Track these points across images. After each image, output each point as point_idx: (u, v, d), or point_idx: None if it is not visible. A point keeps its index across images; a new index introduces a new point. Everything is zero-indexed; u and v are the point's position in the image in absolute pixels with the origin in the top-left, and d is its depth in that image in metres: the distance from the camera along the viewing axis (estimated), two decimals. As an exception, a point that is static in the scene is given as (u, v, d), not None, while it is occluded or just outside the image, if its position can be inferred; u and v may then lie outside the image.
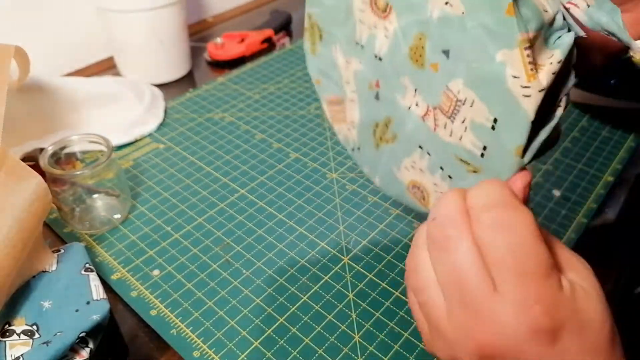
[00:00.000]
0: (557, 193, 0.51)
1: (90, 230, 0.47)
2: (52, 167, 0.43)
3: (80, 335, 0.34)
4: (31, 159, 0.50)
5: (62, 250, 0.39)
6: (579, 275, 0.24)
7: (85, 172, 0.43)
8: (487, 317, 0.23)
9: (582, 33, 0.25)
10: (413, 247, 0.26)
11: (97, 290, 0.37)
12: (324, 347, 0.38)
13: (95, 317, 0.35)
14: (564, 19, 0.25)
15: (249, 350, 0.38)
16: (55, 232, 0.47)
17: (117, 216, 0.48)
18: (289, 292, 0.42)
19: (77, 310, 0.35)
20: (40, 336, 0.34)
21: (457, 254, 0.23)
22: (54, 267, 0.38)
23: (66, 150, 0.46)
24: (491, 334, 0.23)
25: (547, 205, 0.50)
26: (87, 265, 0.39)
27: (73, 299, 0.36)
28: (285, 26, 0.81)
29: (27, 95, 0.51)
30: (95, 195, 0.48)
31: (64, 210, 0.46)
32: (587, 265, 0.25)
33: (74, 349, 0.34)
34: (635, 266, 0.48)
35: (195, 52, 0.73)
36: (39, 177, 0.37)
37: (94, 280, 0.38)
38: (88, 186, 0.46)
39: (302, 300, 0.41)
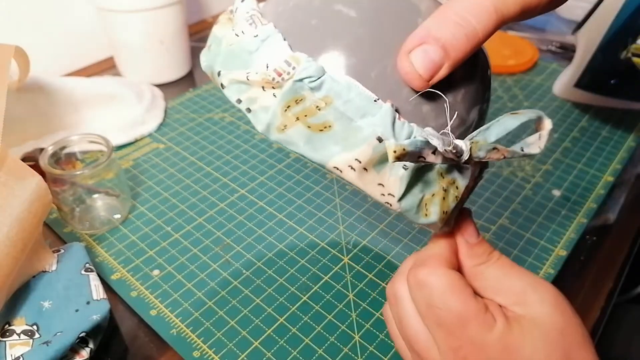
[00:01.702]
0: (557, 193, 0.51)
1: (90, 230, 0.47)
2: (52, 167, 0.43)
3: (80, 335, 0.34)
4: (31, 159, 0.50)
5: (62, 250, 0.40)
6: (529, 307, 0.26)
7: (85, 172, 0.43)
8: None
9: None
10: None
11: (97, 290, 0.37)
12: (324, 347, 0.38)
13: (95, 317, 0.35)
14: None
15: (249, 350, 0.38)
16: (55, 232, 0.47)
17: (117, 216, 0.48)
18: (289, 292, 0.42)
19: (77, 310, 0.35)
20: (40, 336, 0.34)
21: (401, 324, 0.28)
22: (54, 267, 0.38)
23: (66, 150, 0.46)
24: None
25: (547, 205, 0.50)
26: (87, 265, 0.39)
27: (73, 299, 0.36)
28: (285, 26, 0.81)
29: (27, 95, 0.51)
30: (95, 195, 0.48)
31: (64, 210, 0.46)
32: (549, 292, 0.26)
33: (74, 349, 0.34)
34: (635, 266, 0.48)
35: (195, 52, 0.73)
36: (39, 177, 0.37)
37: (94, 280, 0.38)
38: (88, 186, 0.46)
39: (302, 300, 0.41)
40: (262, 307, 0.41)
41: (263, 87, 0.25)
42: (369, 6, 0.25)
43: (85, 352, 0.34)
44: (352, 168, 0.24)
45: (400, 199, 0.25)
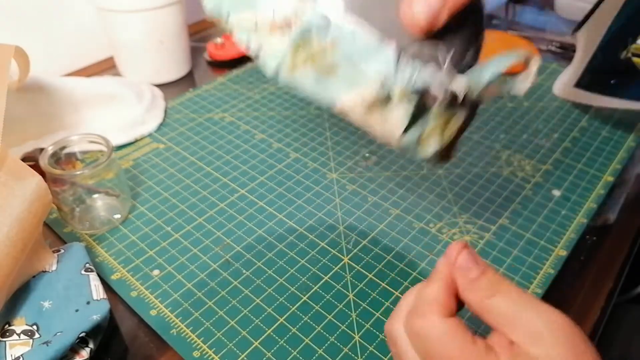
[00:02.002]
0: (557, 193, 0.51)
1: (90, 230, 0.47)
2: (52, 167, 0.43)
3: (80, 335, 0.34)
4: (31, 159, 0.50)
5: (62, 250, 0.40)
6: (545, 348, 0.25)
7: (85, 172, 0.43)
8: None
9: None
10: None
11: (97, 290, 0.37)
12: (324, 347, 0.38)
13: (95, 317, 0.35)
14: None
15: (249, 350, 0.38)
16: (55, 232, 0.47)
17: (117, 216, 0.48)
18: (289, 292, 0.42)
19: (77, 310, 0.35)
20: (40, 336, 0.34)
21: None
22: (54, 267, 0.38)
23: (66, 150, 0.46)
24: None
25: (547, 205, 0.50)
26: (87, 265, 0.39)
27: (73, 299, 0.36)
28: (285, 26, 0.81)
29: (27, 95, 0.51)
30: (95, 195, 0.48)
31: (64, 210, 0.46)
32: (565, 331, 0.25)
33: (74, 349, 0.34)
34: (635, 266, 0.48)
35: (195, 52, 0.73)
36: (39, 177, 0.37)
37: (94, 280, 0.38)
38: (88, 186, 0.46)
39: (302, 300, 0.41)
40: (262, 307, 0.41)
41: (271, 32, 0.26)
42: None
43: (85, 352, 0.34)
44: (357, 107, 0.26)
45: (402, 134, 0.27)
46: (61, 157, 0.46)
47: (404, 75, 0.26)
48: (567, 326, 0.25)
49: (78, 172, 0.43)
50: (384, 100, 0.26)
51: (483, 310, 0.26)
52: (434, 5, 0.25)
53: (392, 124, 0.27)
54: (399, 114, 0.26)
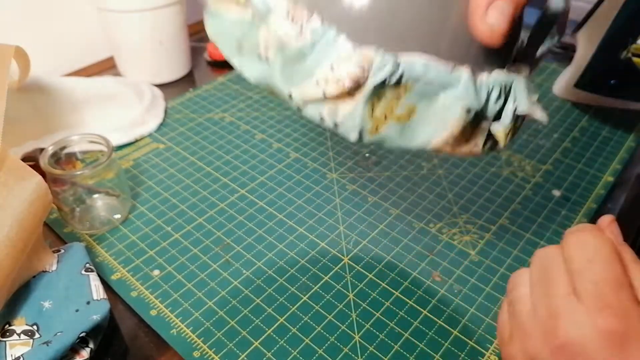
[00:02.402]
0: (557, 193, 0.51)
1: (90, 230, 0.47)
2: (52, 167, 0.43)
3: (81, 335, 0.34)
4: (31, 159, 0.50)
5: (62, 250, 0.40)
6: None
7: (85, 172, 0.43)
8: (566, 315, 0.25)
9: None
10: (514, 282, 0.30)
11: (97, 290, 0.37)
12: (324, 347, 0.38)
13: (95, 317, 0.35)
14: None
15: (249, 350, 0.38)
16: (55, 232, 0.47)
17: (117, 216, 0.48)
18: (289, 292, 0.42)
19: (77, 310, 0.35)
20: (40, 336, 0.34)
21: (548, 259, 0.28)
22: (54, 267, 0.38)
23: (66, 150, 0.46)
24: (567, 330, 0.25)
25: (547, 205, 0.50)
26: (88, 265, 0.39)
27: (73, 299, 0.36)
28: (285, 26, 0.81)
29: (27, 95, 0.51)
30: (96, 195, 0.48)
31: (64, 210, 0.46)
32: None
33: (74, 349, 0.34)
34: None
35: (195, 52, 0.73)
36: (39, 177, 0.37)
37: (94, 280, 0.38)
38: (88, 186, 0.46)
39: (302, 300, 0.41)
40: (262, 307, 0.41)
41: (339, 94, 0.24)
42: None
43: (85, 352, 0.34)
44: (449, 143, 0.25)
45: (503, 145, 0.27)
46: (61, 157, 0.46)
47: (483, 95, 0.25)
48: None
49: (78, 172, 0.43)
50: (470, 127, 0.26)
51: (630, 270, 0.27)
52: (507, 12, 0.24)
53: (480, 144, 0.27)
54: (483, 137, 0.26)
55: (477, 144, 0.27)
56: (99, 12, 0.63)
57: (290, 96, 0.25)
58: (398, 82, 0.23)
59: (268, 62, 0.25)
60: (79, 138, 0.46)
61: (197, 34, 0.80)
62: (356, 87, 0.23)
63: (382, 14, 0.23)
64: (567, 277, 0.27)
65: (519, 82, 0.26)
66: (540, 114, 0.26)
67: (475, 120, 0.25)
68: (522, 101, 0.25)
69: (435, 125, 0.25)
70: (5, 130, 0.35)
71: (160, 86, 0.67)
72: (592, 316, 0.25)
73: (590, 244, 0.27)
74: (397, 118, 0.24)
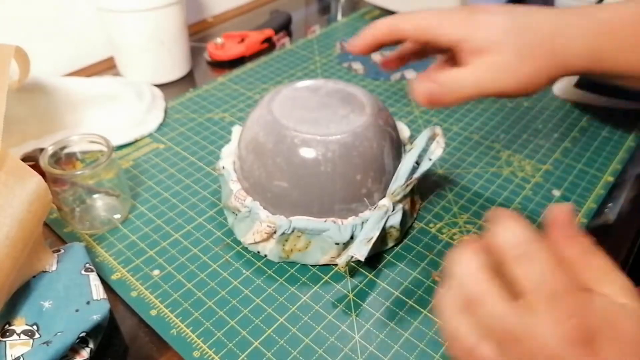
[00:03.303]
0: (557, 193, 0.51)
1: (91, 230, 0.47)
2: (52, 167, 0.43)
3: (81, 335, 0.34)
4: (31, 159, 0.50)
5: (62, 250, 0.39)
6: (616, 290, 0.26)
7: (85, 172, 0.43)
8: (531, 340, 0.24)
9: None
10: (444, 316, 0.28)
11: (97, 290, 0.37)
12: (324, 347, 0.38)
13: (95, 317, 0.35)
14: None
15: (249, 350, 0.38)
16: (55, 232, 0.47)
17: (117, 216, 0.48)
18: (289, 292, 0.42)
19: (77, 310, 0.35)
20: (40, 336, 0.34)
21: (488, 306, 0.26)
22: (54, 267, 0.38)
23: (66, 150, 0.46)
24: (537, 351, 0.24)
25: (547, 205, 0.50)
26: (88, 265, 0.39)
27: (73, 299, 0.36)
28: (285, 26, 0.81)
29: (27, 95, 0.51)
30: (96, 195, 0.48)
31: (64, 210, 0.46)
32: (627, 281, 0.26)
33: (74, 349, 0.34)
34: (635, 266, 0.48)
35: (195, 52, 0.73)
36: (39, 177, 0.37)
37: (94, 280, 0.38)
38: (88, 186, 0.46)
39: (302, 300, 0.41)
40: (262, 307, 0.41)
41: (263, 239, 0.43)
42: (295, 178, 0.42)
43: (85, 352, 0.34)
44: (329, 260, 0.43)
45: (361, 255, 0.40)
46: (61, 157, 0.46)
47: (347, 232, 0.42)
48: None
49: (78, 172, 0.43)
50: (343, 249, 0.43)
51: (581, 261, 0.27)
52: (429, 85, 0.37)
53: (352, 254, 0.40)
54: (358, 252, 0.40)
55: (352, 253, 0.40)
56: (99, 12, 0.63)
57: (240, 241, 0.45)
58: (293, 232, 0.42)
59: (235, 216, 0.45)
60: (79, 138, 0.46)
61: (197, 34, 0.80)
62: (271, 235, 0.42)
63: (282, 199, 0.42)
64: (510, 305, 0.25)
65: (372, 219, 0.42)
66: (361, 254, 0.40)
67: (345, 246, 0.42)
68: (357, 245, 0.41)
69: (322, 252, 0.43)
70: (5, 130, 0.35)
71: (160, 86, 0.67)
72: (555, 331, 0.24)
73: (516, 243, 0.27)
74: (299, 249, 0.43)
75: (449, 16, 0.38)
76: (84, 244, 0.42)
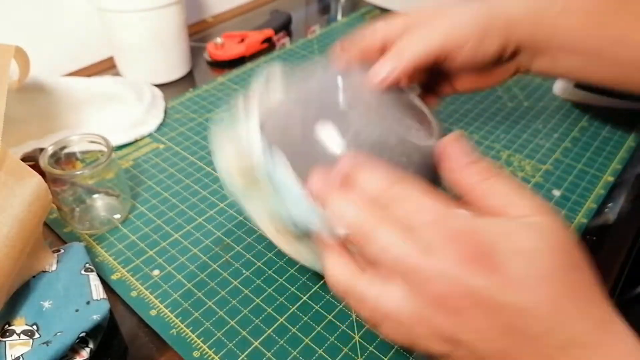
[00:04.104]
0: (557, 193, 0.51)
1: (90, 230, 0.47)
2: (52, 167, 0.43)
3: (80, 335, 0.34)
4: (31, 159, 0.50)
5: (62, 250, 0.39)
6: (526, 210, 0.25)
7: (85, 172, 0.43)
8: (427, 275, 0.24)
9: None
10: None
11: (97, 290, 0.37)
12: (324, 347, 0.38)
13: (95, 317, 0.35)
14: None
15: (249, 350, 0.38)
16: (55, 232, 0.47)
17: (117, 216, 0.48)
18: (289, 292, 0.42)
19: (77, 310, 0.35)
20: (40, 336, 0.34)
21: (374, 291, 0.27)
22: (54, 267, 0.38)
23: (66, 150, 0.46)
24: (437, 284, 0.24)
25: (547, 205, 0.50)
26: (87, 265, 0.39)
27: (73, 299, 0.36)
28: (285, 26, 0.81)
29: (27, 95, 0.51)
30: (95, 195, 0.48)
31: (64, 210, 0.46)
32: (536, 199, 0.26)
33: (74, 349, 0.34)
34: (635, 266, 0.48)
35: (195, 52, 0.73)
36: (39, 177, 0.37)
37: (94, 280, 0.38)
38: (88, 186, 0.46)
39: (302, 300, 0.41)
40: (262, 307, 0.41)
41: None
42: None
43: (85, 352, 0.34)
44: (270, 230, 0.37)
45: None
46: (61, 157, 0.46)
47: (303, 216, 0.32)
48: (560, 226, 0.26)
49: (78, 172, 0.43)
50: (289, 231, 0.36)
51: (477, 193, 0.27)
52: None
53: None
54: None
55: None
56: (99, 12, 0.63)
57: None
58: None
59: None
60: (79, 138, 0.46)
61: (197, 34, 0.80)
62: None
63: None
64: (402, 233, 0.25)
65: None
66: None
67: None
68: None
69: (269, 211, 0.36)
70: (5, 130, 0.35)
71: (160, 86, 0.67)
72: (446, 257, 0.24)
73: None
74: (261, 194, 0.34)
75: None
76: (84, 244, 0.42)
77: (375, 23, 0.39)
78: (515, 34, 0.38)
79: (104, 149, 0.45)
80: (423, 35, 0.37)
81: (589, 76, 0.40)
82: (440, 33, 0.37)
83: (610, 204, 0.51)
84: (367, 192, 0.27)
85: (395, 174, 0.27)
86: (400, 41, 0.36)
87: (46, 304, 0.36)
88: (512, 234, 0.24)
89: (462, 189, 0.27)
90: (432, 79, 0.42)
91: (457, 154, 0.28)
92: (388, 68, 0.34)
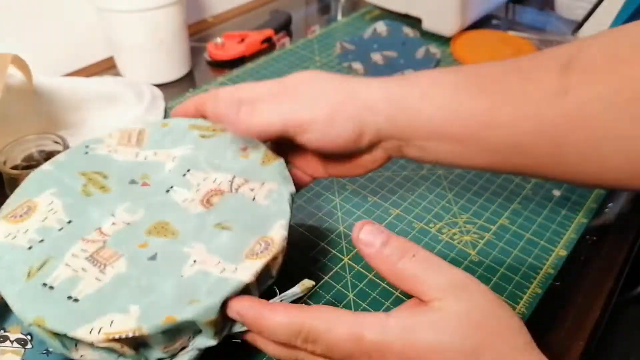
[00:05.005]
0: (557, 193, 0.51)
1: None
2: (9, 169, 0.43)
3: None
4: (31, 159, 0.50)
5: None
6: (447, 303, 0.26)
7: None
8: None
9: None
10: None
11: None
12: (324, 347, 0.38)
13: None
14: None
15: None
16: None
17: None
18: (289, 292, 0.42)
19: None
20: (32, 347, 0.34)
21: None
22: None
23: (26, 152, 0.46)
24: None
25: (547, 205, 0.50)
26: None
27: None
28: (285, 26, 0.81)
29: (27, 95, 0.51)
30: None
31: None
32: (442, 279, 0.27)
33: None
34: (635, 266, 0.48)
35: (195, 52, 0.73)
36: None
37: None
38: None
39: (302, 300, 0.41)
40: (262, 307, 0.40)
41: None
42: None
43: None
44: None
45: None
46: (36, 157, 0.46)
47: None
48: (473, 284, 0.27)
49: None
50: None
51: (396, 276, 0.28)
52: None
53: None
54: None
55: None
56: (99, 12, 0.63)
57: None
58: None
59: None
60: (35, 137, 0.45)
61: (197, 34, 0.80)
62: None
63: None
64: None
65: None
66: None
67: None
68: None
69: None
70: (5, 130, 0.35)
71: (160, 86, 0.67)
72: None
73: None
74: None
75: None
76: None
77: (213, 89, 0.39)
78: (373, 120, 0.35)
79: (60, 148, 0.45)
80: (271, 108, 0.35)
81: (463, 163, 0.35)
82: (287, 109, 0.34)
83: (610, 204, 0.51)
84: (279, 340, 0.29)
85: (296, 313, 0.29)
86: (247, 109, 0.34)
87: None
88: (385, 347, 0.26)
89: (383, 274, 0.29)
90: (300, 158, 0.40)
91: (368, 238, 0.29)
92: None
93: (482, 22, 0.80)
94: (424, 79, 0.35)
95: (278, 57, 0.74)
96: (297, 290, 0.31)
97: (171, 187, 0.35)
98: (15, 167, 0.44)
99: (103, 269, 0.29)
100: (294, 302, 0.31)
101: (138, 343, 0.28)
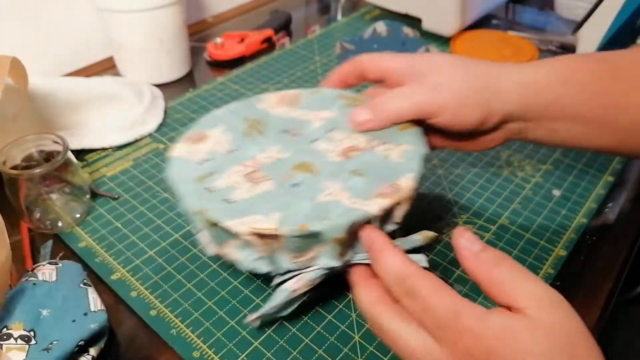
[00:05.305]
0: (557, 193, 0.51)
1: (53, 230, 0.46)
2: (8, 169, 0.43)
3: (80, 343, 0.34)
4: (30, 159, 0.50)
5: (60, 264, 0.39)
6: (532, 302, 0.27)
7: (38, 171, 0.43)
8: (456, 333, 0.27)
9: None
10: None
11: (94, 303, 0.37)
12: (324, 347, 0.38)
13: (93, 326, 0.35)
14: None
15: (249, 350, 0.38)
16: (69, 246, 0.47)
17: (77, 215, 0.48)
18: (289, 292, 0.42)
19: (74, 321, 0.36)
20: (36, 342, 0.34)
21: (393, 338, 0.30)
22: (54, 278, 0.38)
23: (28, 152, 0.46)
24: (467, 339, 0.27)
25: (547, 205, 0.50)
26: (85, 280, 0.39)
27: (71, 310, 0.36)
28: (285, 26, 0.81)
29: (27, 95, 0.51)
30: (54, 196, 0.47)
31: (24, 211, 0.45)
32: (542, 288, 0.28)
33: (75, 357, 0.34)
34: (635, 266, 0.48)
35: (195, 52, 0.73)
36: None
37: (92, 293, 0.38)
38: (45, 184, 0.46)
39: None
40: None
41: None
42: None
43: None
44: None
45: None
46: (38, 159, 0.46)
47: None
48: (563, 301, 0.28)
49: (37, 171, 0.43)
50: None
51: (490, 281, 0.28)
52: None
53: None
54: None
55: None
56: (99, 12, 0.63)
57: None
58: None
59: None
60: (35, 137, 0.46)
61: (197, 34, 0.80)
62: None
63: None
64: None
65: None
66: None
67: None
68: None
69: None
70: (4, 130, 0.35)
71: (160, 86, 0.67)
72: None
73: (415, 293, 0.29)
74: None
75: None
76: (80, 265, 0.41)
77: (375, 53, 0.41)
78: (502, 106, 0.37)
79: (60, 148, 0.45)
80: (406, 94, 0.38)
81: (590, 144, 0.39)
82: (421, 96, 0.37)
83: (610, 204, 0.51)
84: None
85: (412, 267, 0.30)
86: (384, 95, 0.38)
87: (44, 312, 0.36)
88: (510, 336, 0.26)
89: (477, 278, 0.29)
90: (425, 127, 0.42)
91: (467, 244, 0.30)
92: (365, 117, 0.38)
93: (482, 22, 0.80)
94: (559, 65, 0.38)
95: (278, 57, 0.74)
96: (417, 237, 0.36)
97: (316, 139, 0.40)
98: (14, 167, 0.44)
99: (254, 185, 0.36)
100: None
101: (274, 249, 0.33)
